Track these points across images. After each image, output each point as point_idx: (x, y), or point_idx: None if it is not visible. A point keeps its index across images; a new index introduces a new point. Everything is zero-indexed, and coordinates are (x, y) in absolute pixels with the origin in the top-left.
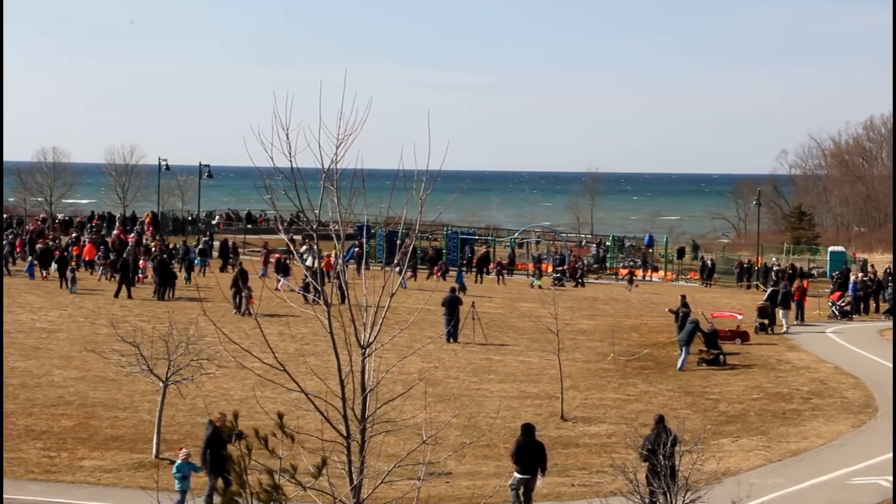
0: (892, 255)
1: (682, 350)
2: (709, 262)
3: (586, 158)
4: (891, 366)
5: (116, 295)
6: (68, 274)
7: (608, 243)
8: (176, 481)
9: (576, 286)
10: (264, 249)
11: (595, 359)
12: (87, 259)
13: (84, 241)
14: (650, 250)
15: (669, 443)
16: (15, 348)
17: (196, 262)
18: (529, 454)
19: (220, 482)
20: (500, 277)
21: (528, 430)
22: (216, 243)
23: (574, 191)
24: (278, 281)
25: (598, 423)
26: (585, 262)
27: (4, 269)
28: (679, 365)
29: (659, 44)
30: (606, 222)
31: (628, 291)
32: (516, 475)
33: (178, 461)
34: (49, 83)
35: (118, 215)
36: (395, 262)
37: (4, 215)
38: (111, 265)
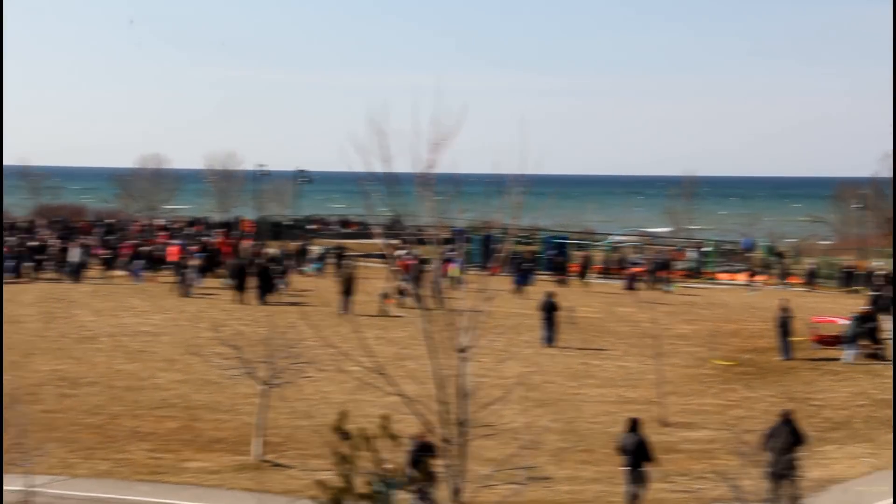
0: None
1: (850, 345)
2: (810, 267)
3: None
4: None
5: (261, 301)
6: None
7: (706, 248)
8: None
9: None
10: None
11: (695, 364)
12: (172, 261)
13: (172, 244)
14: (749, 254)
15: (792, 442)
16: (120, 351)
17: (315, 266)
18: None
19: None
20: (632, 285)
21: (630, 424)
22: (315, 248)
23: (670, 194)
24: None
25: (699, 429)
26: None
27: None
28: (847, 358)
29: (738, 44)
30: (704, 225)
31: (749, 294)
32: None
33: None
34: (152, 90)
35: (216, 220)
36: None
37: (110, 220)
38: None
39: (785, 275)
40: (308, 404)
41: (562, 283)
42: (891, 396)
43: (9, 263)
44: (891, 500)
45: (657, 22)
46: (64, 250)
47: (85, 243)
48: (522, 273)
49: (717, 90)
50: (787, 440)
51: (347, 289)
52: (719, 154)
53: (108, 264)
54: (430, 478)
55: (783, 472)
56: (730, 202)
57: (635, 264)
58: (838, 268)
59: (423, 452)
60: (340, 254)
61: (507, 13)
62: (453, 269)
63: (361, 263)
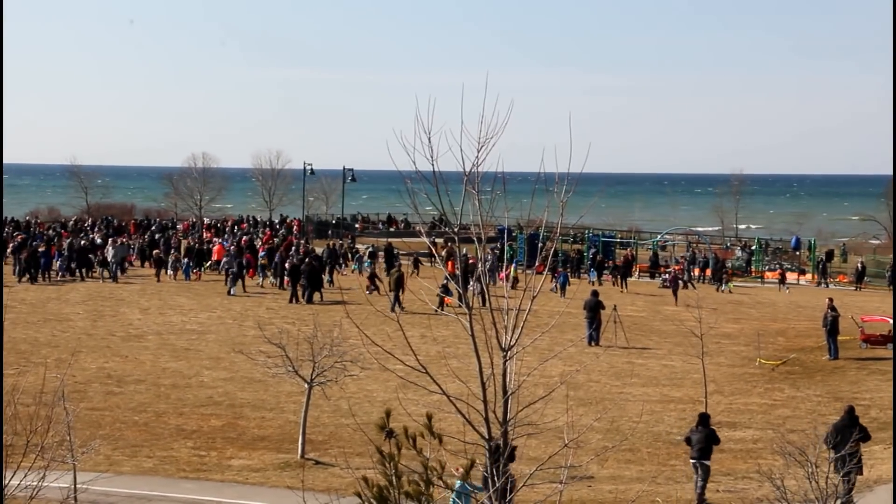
0: None
1: None
2: (859, 265)
3: (725, 159)
4: None
5: (307, 300)
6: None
7: (754, 246)
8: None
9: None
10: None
11: (740, 363)
12: (216, 260)
13: (216, 243)
14: (797, 253)
15: (856, 436)
16: (167, 349)
17: (366, 264)
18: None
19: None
20: (674, 286)
21: (702, 419)
22: (360, 247)
23: (718, 192)
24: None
25: (744, 429)
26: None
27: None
28: None
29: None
30: (751, 223)
31: (782, 293)
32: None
33: (459, 481)
34: (199, 90)
35: (261, 219)
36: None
37: (159, 219)
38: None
39: (833, 273)
40: (351, 403)
41: (606, 281)
42: None
43: (60, 263)
44: None
45: (701, 19)
46: (102, 250)
47: (124, 242)
48: (571, 271)
49: (763, 87)
50: (851, 435)
51: (398, 287)
52: (767, 151)
53: (156, 263)
54: (506, 482)
55: (849, 467)
56: (778, 200)
57: (681, 263)
58: (887, 266)
59: (500, 455)
60: (390, 252)
61: (552, 10)
62: (512, 269)
63: (406, 262)
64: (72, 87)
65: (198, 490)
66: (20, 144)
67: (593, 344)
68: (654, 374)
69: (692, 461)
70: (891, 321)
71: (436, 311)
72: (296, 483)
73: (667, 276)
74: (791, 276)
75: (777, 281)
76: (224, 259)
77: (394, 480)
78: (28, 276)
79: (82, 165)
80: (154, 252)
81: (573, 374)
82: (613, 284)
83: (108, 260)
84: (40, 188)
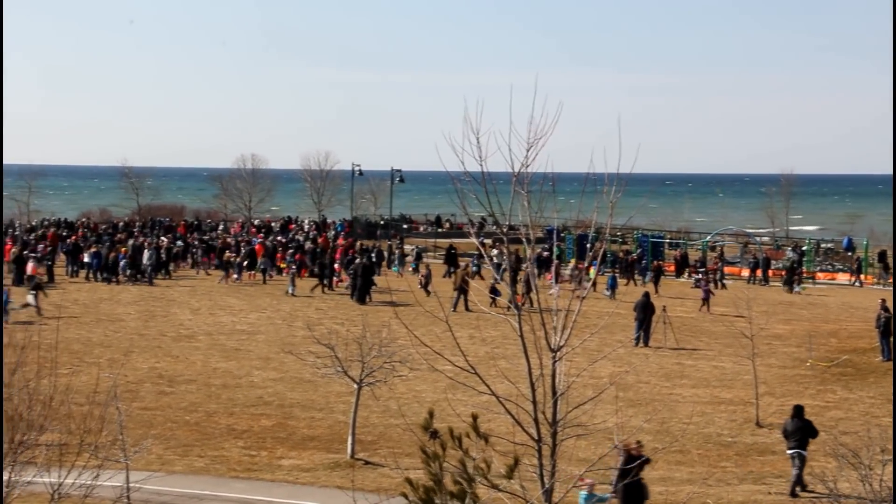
0: None
1: None
2: None
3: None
4: None
5: (358, 299)
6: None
7: (805, 247)
8: None
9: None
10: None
11: (791, 364)
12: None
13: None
14: (849, 254)
15: None
16: (217, 349)
17: (411, 265)
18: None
19: None
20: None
21: (797, 410)
22: (408, 248)
23: (768, 192)
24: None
25: None
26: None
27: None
28: None
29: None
30: (803, 224)
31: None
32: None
33: (584, 492)
34: (247, 92)
35: (308, 220)
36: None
37: (208, 220)
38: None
39: (876, 273)
40: (400, 403)
41: (656, 282)
42: None
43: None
44: None
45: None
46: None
47: (159, 244)
48: (620, 273)
49: (804, 86)
50: None
51: (462, 287)
52: (814, 150)
53: (224, 266)
54: (638, 491)
55: None
56: (830, 200)
57: (797, 264)
58: None
59: (632, 464)
60: (451, 254)
61: (596, 10)
62: (592, 271)
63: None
64: (124, 88)
65: (248, 490)
66: (73, 146)
67: (641, 345)
68: (704, 376)
69: (789, 451)
70: None
71: (492, 302)
72: (345, 483)
73: (699, 276)
74: (843, 277)
75: (841, 282)
76: (261, 259)
77: (438, 481)
78: (103, 276)
79: (133, 167)
80: (225, 255)
81: (623, 375)
82: (635, 284)
83: (144, 263)
84: (91, 189)
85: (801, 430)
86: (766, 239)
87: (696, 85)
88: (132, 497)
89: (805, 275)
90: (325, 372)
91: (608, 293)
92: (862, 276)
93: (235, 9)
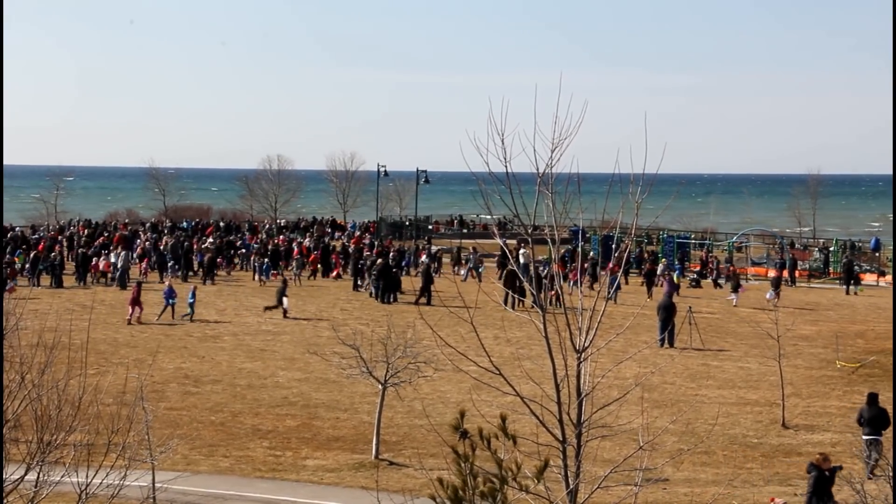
0: None
1: None
2: None
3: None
4: None
5: (381, 299)
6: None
7: (832, 247)
8: None
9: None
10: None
11: (818, 365)
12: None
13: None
14: (877, 254)
15: None
16: (242, 350)
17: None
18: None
19: None
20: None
21: (871, 398)
22: (434, 248)
23: (794, 192)
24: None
25: (822, 432)
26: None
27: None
28: None
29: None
30: (829, 224)
31: (849, 295)
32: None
33: None
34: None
35: (328, 220)
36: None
37: (233, 222)
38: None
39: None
40: (425, 404)
41: (680, 282)
42: None
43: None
44: None
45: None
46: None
47: (145, 248)
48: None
49: (828, 86)
50: None
51: (512, 285)
52: (839, 150)
53: (227, 265)
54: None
55: None
56: (854, 200)
57: (851, 265)
58: None
59: (823, 482)
60: (504, 253)
61: (619, 10)
62: (674, 275)
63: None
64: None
65: (273, 490)
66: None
67: (666, 346)
68: (729, 377)
69: (864, 438)
70: None
71: (514, 302)
72: (370, 483)
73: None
74: (870, 278)
75: (869, 283)
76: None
77: (469, 481)
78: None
79: (160, 168)
80: (253, 256)
81: (648, 375)
82: (641, 285)
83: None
84: (117, 190)
85: (877, 418)
86: (793, 239)
87: (718, 85)
88: (158, 497)
89: (832, 276)
90: (350, 372)
91: (610, 294)
92: (888, 278)
93: (269, 11)
